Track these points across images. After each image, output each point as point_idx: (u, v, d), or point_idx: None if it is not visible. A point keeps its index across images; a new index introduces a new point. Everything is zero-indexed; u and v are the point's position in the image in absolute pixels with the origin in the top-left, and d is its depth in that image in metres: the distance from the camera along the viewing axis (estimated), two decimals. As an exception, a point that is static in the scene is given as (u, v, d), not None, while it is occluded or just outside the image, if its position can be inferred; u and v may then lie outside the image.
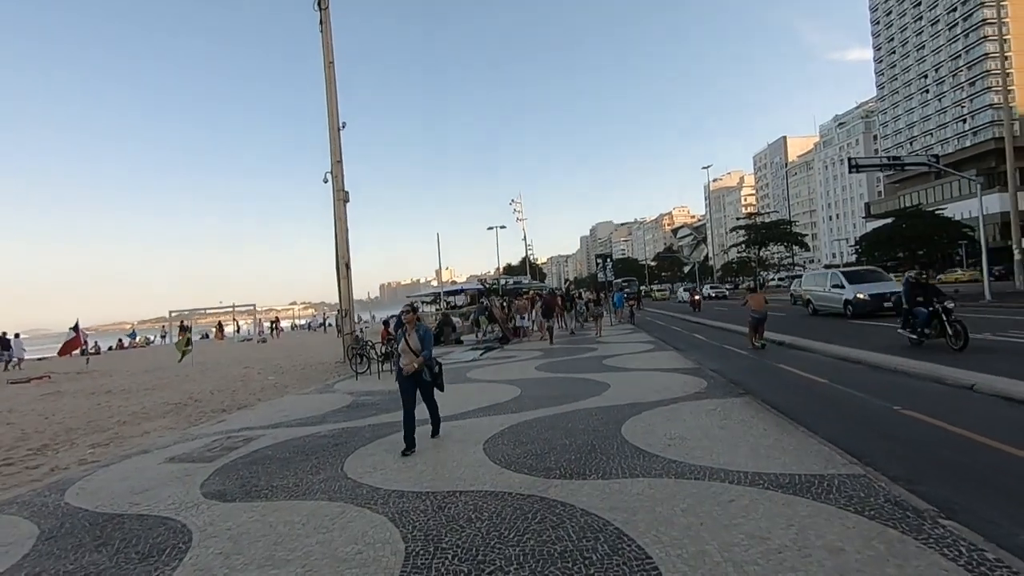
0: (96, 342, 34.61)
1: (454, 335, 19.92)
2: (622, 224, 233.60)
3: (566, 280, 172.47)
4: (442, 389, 6.12)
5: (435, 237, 35.86)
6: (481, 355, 15.09)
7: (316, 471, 5.26)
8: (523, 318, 18.79)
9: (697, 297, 32.30)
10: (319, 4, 16.35)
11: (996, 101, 75.59)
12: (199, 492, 4.86)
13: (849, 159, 21.75)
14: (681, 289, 46.39)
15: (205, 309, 34.06)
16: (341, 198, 16.50)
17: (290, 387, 12.29)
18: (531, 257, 75.14)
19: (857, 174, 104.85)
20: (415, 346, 5.85)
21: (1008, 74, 75.01)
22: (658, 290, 74.05)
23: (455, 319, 24.79)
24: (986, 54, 75.65)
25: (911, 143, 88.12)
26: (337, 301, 17.38)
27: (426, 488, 4.47)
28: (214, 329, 41.32)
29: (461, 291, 37.53)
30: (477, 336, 20.74)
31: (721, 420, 5.98)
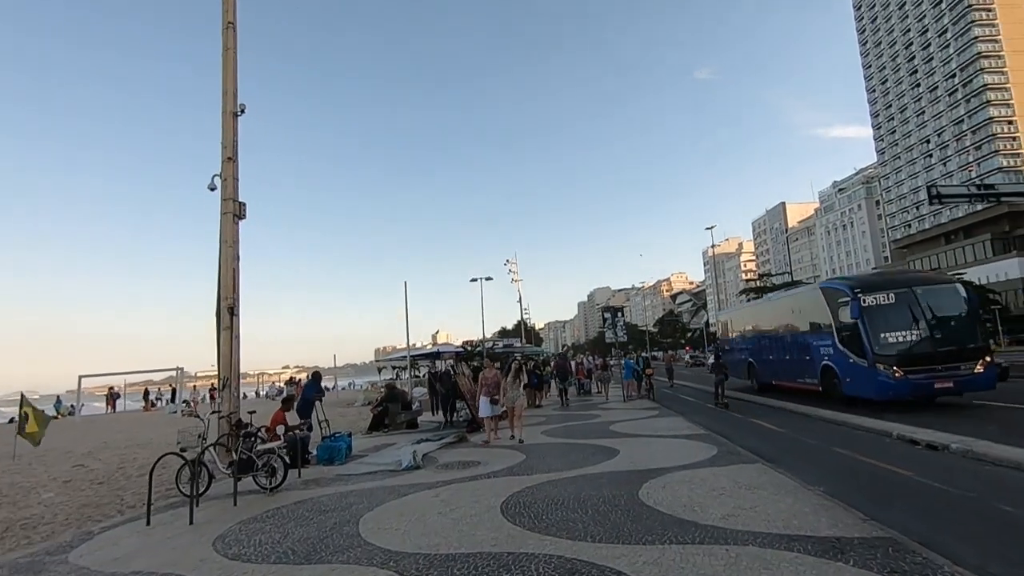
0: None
1: (402, 416, 13.61)
2: (620, 290, 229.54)
3: (564, 346, 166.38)
4: None
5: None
6: (422, 459, 9.09)
7: None
8: (495, 403, 10.69)
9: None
10: (219, -52, 11.73)
11: (1006, 164, 73.09)
12: None
13: (929, 187, 17.06)
14: None
15: (124, 373, 28.13)
16: (232, 210, 11.11)
17: (29, 534, 6.34)
18: (527, 321, 68.72)
19: (862, 238, 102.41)
20: None
21: (1014, 138, 73.50)
22: None
23: (417, 392, 18.82)
24: (991, 118, 73.85)
25: (917, 207, 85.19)
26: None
27: None
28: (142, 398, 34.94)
29: (438, 354, 31.50)
30: (443, 417, 14.38)
31: None
